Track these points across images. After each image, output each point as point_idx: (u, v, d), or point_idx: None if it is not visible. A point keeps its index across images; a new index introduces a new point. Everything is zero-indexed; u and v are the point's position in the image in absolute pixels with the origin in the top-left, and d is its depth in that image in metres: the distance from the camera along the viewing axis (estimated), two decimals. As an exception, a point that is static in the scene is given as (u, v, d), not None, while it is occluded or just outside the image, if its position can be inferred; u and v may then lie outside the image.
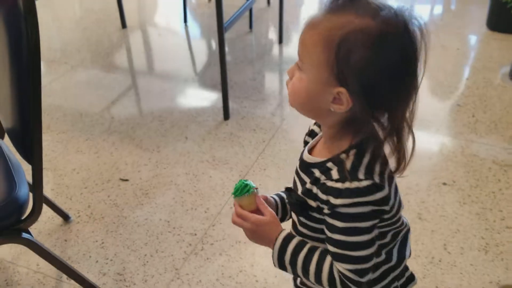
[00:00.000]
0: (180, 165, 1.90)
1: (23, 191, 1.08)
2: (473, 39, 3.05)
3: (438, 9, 3.62)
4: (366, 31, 0.62)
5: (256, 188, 0.79)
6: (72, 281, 1.34)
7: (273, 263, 0.77)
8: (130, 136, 2.09)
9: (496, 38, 2.90)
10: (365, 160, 0.68)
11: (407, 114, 0.68)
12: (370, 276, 0.71)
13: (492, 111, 2.19)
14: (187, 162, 1.91)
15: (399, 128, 0.68)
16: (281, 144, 2.02)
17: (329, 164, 0.71)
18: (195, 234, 1.58)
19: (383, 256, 0.77)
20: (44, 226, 1.61)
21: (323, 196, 0.69)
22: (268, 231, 0.77)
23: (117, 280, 1.42)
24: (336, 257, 0.70)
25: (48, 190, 1.77)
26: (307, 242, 0.75)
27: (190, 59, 2.86)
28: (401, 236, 0.79)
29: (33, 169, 1.05)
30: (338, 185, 0.67)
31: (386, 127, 0.69)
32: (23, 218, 1.06)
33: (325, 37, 0.64)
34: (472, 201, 1.68)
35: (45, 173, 1.85)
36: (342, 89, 0.65)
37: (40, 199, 1.07)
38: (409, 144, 0.72)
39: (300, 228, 0.79)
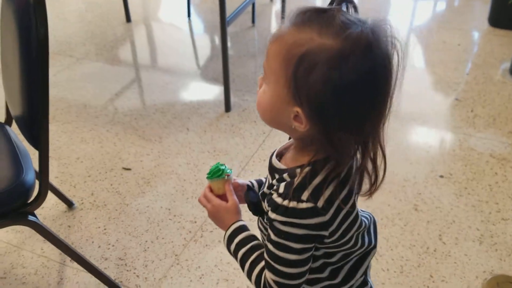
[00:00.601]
0: (182, 156, 1.93)
1: (30, 176, 1.11)
2: (474, 35, 3.07)
3: (441, 6, 3.64)
4: (326, 50, 0.58)
5: (228, 175, 0.80)
6: (75, 265, 1.38)
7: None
8: (133, 127, 2.13)
9: (497, 34, 2.92)
10: (316, 180, 0.65)
11: (379, 137, 0.65)
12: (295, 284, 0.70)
13: (491, 106, 2.21)
14: (188, 152, 1.95)
15: (371, 151, 0.65)
16: (281, 136, 2.04)
17: (285, 175, 0.69)
18: (195, 222, 1.61)
19: (326, 273, 0.76)
20: (48, 212, 1.65)
21: (266, 205, 0.69)
22: (225, 217, 0.79)
23: (118, 265, 1.46)
24: (267, 265, 0.70)
25: (52, 178, 1.81)
26: (253, 240, 0.76)
27: (193, 53, 2.89)
28: (355, 256, 0.77)
29: (40, 155, 1.08)
30: (279, 200, 0.66)
31: (352, 150, 0.65)
32: (29, 201, 1.10)
33: (286, 52, 0.60)
34: (469, 193, 1.71)
35: (50, 162, 1.88)
36: (299, 109, 0.61)
37: (46, 184, 1.10)
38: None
39: (260, 221, 0.81)
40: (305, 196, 0.64)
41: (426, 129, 2.09)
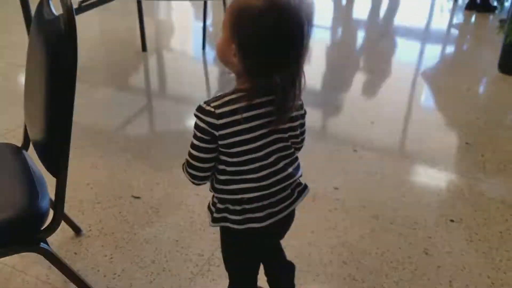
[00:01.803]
0: (191, 186, 1.92)
1: (45, 202, 1.12)
2: (484, 80, 3.10)
3: (450, 49, 3.70)
4: (251, 7, 0.85)
5: None
6: (81, 293, 1.36)
7: None
8: (145, 155, 2.14)
9: (507, 80, 2.95)
10: (226, 98, 0.91)
11: (292, 80, 0.90)
12: (193, 172, 0.98)
13: (501, 151, 2.22)
14: (198, 184, 1.95)
15: (283, 88, 0.89)
16: (292, 172, 2.05)
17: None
18: (202, 255, 1.60)
19: (223, 178, 0.98)
20: (55, 238, 1.64)
21: None
22: None
23: (124, 296, 1.44)
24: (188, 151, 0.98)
25: (61, 203, 1.81)
26: None
27: (206, 84, 2.93)
28: (249, 180, 0.98)
29: (57, 182, 1.09)
30: (201, 103, 0.92)
31: (267, 85, 0.89)
32: (42, 228, 1.10)
33: (231, 10, 0.88)
34: (479, 239, 1.69)
35: (59, 186, 1.90)
36: (234, 45, 0.87)
37: (61, 211, 1.10)
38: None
39: None
40: (214, 104, 0.91)
41: (436, 172, 2.09)
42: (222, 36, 0.91)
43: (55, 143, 1.08)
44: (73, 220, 1.65)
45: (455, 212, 1.82)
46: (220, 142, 0.93)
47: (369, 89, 2.89)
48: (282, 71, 0.88)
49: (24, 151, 1.32)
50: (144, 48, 3.26)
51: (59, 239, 1.64)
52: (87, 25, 3.61)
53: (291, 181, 1.01)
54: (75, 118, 2.11)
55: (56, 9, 1.17)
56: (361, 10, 4.57)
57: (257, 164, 0.96)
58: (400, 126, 2.49)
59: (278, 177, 0.99)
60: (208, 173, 0.98)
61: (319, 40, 3.70)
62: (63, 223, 1.62)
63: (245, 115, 0.91)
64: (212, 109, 0.90)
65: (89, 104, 2.55)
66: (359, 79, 3.04)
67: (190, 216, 1.77)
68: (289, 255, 1.33)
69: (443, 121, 2.52)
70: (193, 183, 1.02)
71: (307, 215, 1.80)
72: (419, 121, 2.52)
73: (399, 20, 4.26)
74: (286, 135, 0.98)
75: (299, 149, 1.06)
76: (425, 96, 2.86)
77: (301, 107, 1.00)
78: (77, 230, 1.66)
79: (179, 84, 2.86)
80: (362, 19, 4.36)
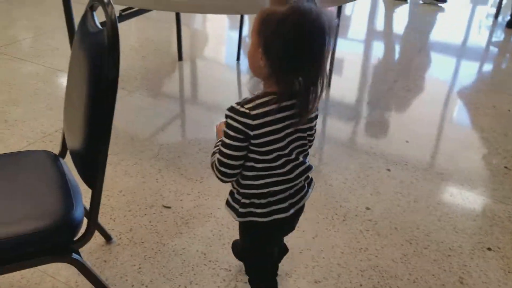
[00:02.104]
0: (221, 198, 1.93)
1: (79, 212, 1.13)
2: (526, 101, 2.99)
3: (488, 67, 3.59)
4: (277, 13, 0.93)
5: None
6: (109, 303, 1.37)
7: None
8: (176, 164, 2.15)
9: (551, 103, 2.84)
10: (258, 101, 0.99)
11: (314, 82, 0.98)
12: (225, 170, 1.05)
13: (543, 178, 2.13)
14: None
15: (306, 90, 0.98)
16: (322, 189, 2.03)
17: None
18: (230, 270, 1.59)
19: (251, 174, 1.07)
20: (87, 245, 1.66)
21: None
22: (219, 134, 1.11)
23: (150, 307, 1.44)
24: (218, 150, 1.06)
25: (94, 209, 1.83)
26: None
27: (238, 94, 2.93)
28: (274, 178, 1.08)
29: (93, 194, 1.10)
30: (233, 104, 1.01)
31: (293, 88, 0.99)
32: (75, 239, 1.11)
33: (259, 16, 0.96)
34: (517, 270, 1.62)
35: (92, 192, 1.93)
36: (260, 50, 0.96)
37: (95, 222, 1.12)
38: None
39: None
40: (247, 105, 0.99)
41: (473, 196, 2.02)
42: (251, 42, 1.00)
43: (92, 154, 1.09)
44: (105, 228, 1.67)
45: (492, 240, 1.76)
46: (252, 141, 1.01)
47: (404, 106, 2.83)
48: (303, 74, 0.96)
49: (60, 159, 1.34)
50: (180, 57, 3.30)
51: (90, 246, 1.66)
52: (126, 33, 3.68)
53: (309, 173, 1.14)
54: (112, 124, 2.16)
55: (99, 16, 1.19)
56: (396, 23, 4.50)
57: (283, 160, 1.06)
58: (436, 146, 2.43)
59: (300, 169, 1.10)
60: (238, 171, 1.07)
61: (353, 53, 3.66)
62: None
63: (276, 116, 1.00)
64: (247, 111, 0.98)
65: (125, 111, 2.59)
66: (394, 94, 2.98)
67: (219, 230, 1.77)
68: (318, 275, 1.31)
69: (481, 142, 2.44)
70: (222, 180, 1.09)
71: (337, 235, 1.76)
72: (456, 141, 2.45)
73: (436, 35, 4.18)
74: (305, 134, 1.10)
75: (311, 146, 1.18)
76: (462, 115, 2.78)
77: (316, 109, 1.10)
78: (107, 238, 1.68)
79: (212, 94, 2.88)
80: (398, 33, 4.29)
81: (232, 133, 1.01)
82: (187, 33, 3.79)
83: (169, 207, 1.88)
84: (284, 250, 1.51)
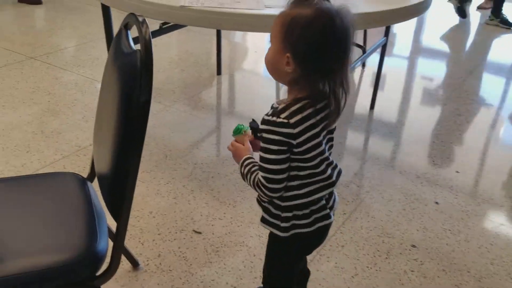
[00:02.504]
0: (254, 226, 1.82)
1: (103, 244, 1.05)
2: None
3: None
4: (302, 16, 0.92)
5: (245, 131, 1.13)
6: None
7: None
8: (209, 186, 2.06)
9: None
10: (293, 108, 0.96)
11: (341, 82, 0.97)
12: (275, 186, 1.00)
13: None
14: (262, 224, 1.83)
15: (334, 91, 0.97)
16: (363, 221, 1.89)
17: (275, 105, 1.02)
18: (261, 307, 1.48)
19: (295, 183, 1.03)
20: (112, 269, 1.59)
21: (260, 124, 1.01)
22: (241, 153, 1.11)
23: None
24: (259, 168, 1.02)
25: (122, 231, 1.76)
26: (256, 162, 1.06)
27: (278, 113, 2.83)
28: (318, 183, 1.05)
29: (117, 228, 1.02)
30: (265, 116, 0.98)
31: (324, 89, 0.97)
32: (98, 274, 1.03)
33: (281, 21, 0.95)
34: None
35: (122, 212, 1.86)
36: (288, 54, 0.94)
37: (119, 257, 1.03)
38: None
39: None
40: (283, 115, 0.96)
41: (531, 238, 1.83)
42: (271, 48, 0.98)
43: (119, 182, 1.01)
44: (132, 253, 1.59)
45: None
46: (295, 150, 0.98)
47: (454, 132, 2.65)
48: (333, 74, 0.95)
49: (88, 183, 1.27)
50: (219, 71, 3.23)
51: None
52: (166, 45, 3.66)
53: (341, 175, 1.11)
54: (147, 139, 2.11)
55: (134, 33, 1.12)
56: (446, 42, 4.31)
57: (324, 164, 1.04)
58: (490, 177, 2.24)
59: (336, 172, 1.09)
60: (285, 183, 1.02)
61: (398, 70, 3.50)
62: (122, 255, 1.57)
63: (314, 120, 0.98)
64: (285, 120, 0.95)
65: (160, 126, 2.53)
66: (443, 119, 2.81)
67: (251, 261, 1.66)
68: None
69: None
70: (271, 197, 1.05)
71: (379, 275, 1.62)
72: (512, 174, 2.26)
73: (489, 56, 3.96)
74: (333, 135, 1.08)
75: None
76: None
77: None
78: (134, 264, 1.60)
79: (251, 110, 2.79)
80: (446, 51, 4.10)
81: (274, 147, 0.97)
82: (227, 46, 3.73)
83: (199, 233, 1.78)
84: (307, 272, 1.44)
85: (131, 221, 1.83)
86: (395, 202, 2.02)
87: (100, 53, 3.41)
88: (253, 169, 1.06)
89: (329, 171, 1.06)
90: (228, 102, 2.91)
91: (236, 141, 1.15)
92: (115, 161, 1.02)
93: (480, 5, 5.11)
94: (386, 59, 2.78)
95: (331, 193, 1.13)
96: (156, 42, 3.38)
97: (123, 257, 1.58)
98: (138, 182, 2.09)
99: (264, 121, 0.98)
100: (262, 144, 0.99)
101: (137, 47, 1.04)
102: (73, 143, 2.31)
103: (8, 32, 3.77)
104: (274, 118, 0.96)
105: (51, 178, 1.27)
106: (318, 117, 0.98)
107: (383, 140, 2.54)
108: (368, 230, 1.84)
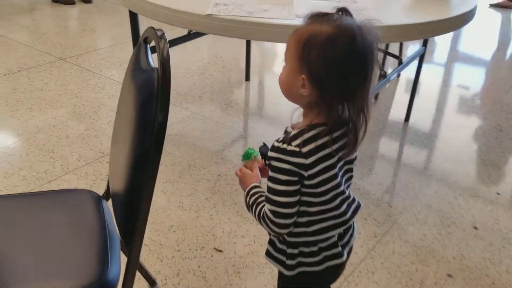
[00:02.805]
0: (279, 246, 1.73)
1: (114, 272, 0.98)
2: None
3: None
4: (321, 34, 0.82)
5: (255, 157, 1.06)
6: None
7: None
8: (233, 199, 1.98)
9: None
10: (307, 135, 0.87)
11: (362, 107, 0.86)
12: (283, 222, 0.90)
13: None
14: (287, 244, 1.74)
15: (353, 117, 0.87)
16: (395, 245, 1.77)
17: (288, 129, 0.94)
18: (283, 337, 1.38)
19: (304, 220, 0.93)
20: None
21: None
22: (248, 180, 1.02)
23: None
24: (266, 199, 0.91)
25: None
26: (262, 192, 0.96)
27: (308, 122, 2.73)
28: (331, 220, 0.95)
29: (129, 258, 0.95)
30: (276, 143, 0.89)
31: (342, 115, 0.88)
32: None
33: (297, 38, 0.85)
34: None
35: (142, 225, 1.80)
36: (304, 76, 0.84)
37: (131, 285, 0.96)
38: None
39: None
40: (295, 143, 0.86)
41: None
42: (285, 67, 0.89)
43: (132, 205, 0.94)
44: (149, 272, 1.52)
45: None
46: (306, 183, 0.89)
47: (495, 149, 2.49)
48: (355, 99, 0.86)
49: (104, 201, 1.21)
50: (247, 77, 3.16)
51: (132, 289, 1.52)
52: (195, 49, 3.60)
53: (358, 211, 1.00)
54: (171, 148, 2.01)
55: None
56: (487, 50, 4.10)
57: (339, 199, 0.94)
58: (533, 202, 2.08)
59: (352, 208, 0.98)
60: (295, 218, 0.92)
61: (434, 79, 3.34)
62: (138, 273, 1.51)
63: (330, 150, 0.88)
64: (297, 149, 0.86)
65: (186, 134, 2.47)
66: (483, 134, 2.64)
67: (274, 285, 1.57)
68: None
69: None
70: (279, 233, 0.94)
71: (412, 309, 1.50)
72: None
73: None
74: (352, 165, 0.98)
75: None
76: None
77: None
78: (152, 283, 1.53)
79: (279, 118, 2.69)
80: (487, 60, 3.90)
81: (283, 177, 0.87)
82: (256, 51, 3.65)
83: (220, 251, 1.70)
84: None
85: (151, 234, 1.77)
86: (430, 225, 1.89)
87: (129, 56, 3.37)
88: (259, 199, 0.95)
89: (344, 206, 0.96)
90: (256, 110, 2.82)
91: (245, 166, 1.07)
92: (129, 182, 0.96)
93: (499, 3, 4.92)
94: (427, 66, 2.64)
95: (348, 227, 1.02)
96: (185, 46, 3.33)
97: (140, 275, 1.52)
98: (160, 193, 2.03)
99: (273, 148, 0.88)
100: (270, 173, 0.89)
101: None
102: (97, 149, 2.27)
103: (40, 32, 3.79)
104: (285, 146, 0.86)
105: (66, 195, 1.21)
106: (334, 147, 0.88)
107: (418, 155, 2.40)
108: (400, 256, 1.72)
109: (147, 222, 1.78)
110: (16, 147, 2.25)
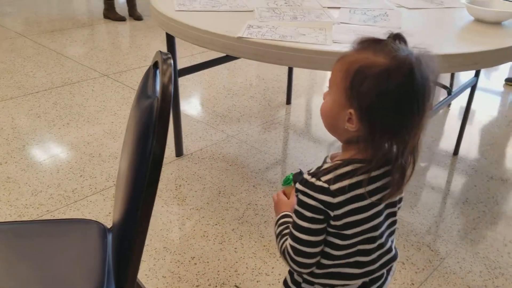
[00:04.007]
0: (305, 288, 1.60)
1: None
2: None
3: None
4: (376, 65, 0.74)
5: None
6: None
7: None
8: (260, 232, 1.87)
9: None
10: (340, 171, 0.79)
11: (410, 147, 0.78)
12: (303, 261, 0.83)
13: None
14: (314, 287, 1.61)
15: (402, 155, 0.78)
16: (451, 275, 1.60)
17: (327, 159, 0.87)
18: None
19: (326, 261, 0.85)
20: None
21: None
22: (282, 207, 0.95)
23: None
24: (289, 234, 0.84)
25: (160, 277, 1.62)
26: (290, 224, 0.86)
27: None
28: (355, 264, 0.85)
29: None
30: (306, 176, 0.81)
31: (388, 154, 0.79)
32: None
33: (346, 67, 0.77)
34: None
35: (164, 254, 1.73)
36: (352, 111, 0.77)
37: None
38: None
39: None
40: (325, 178, 0.79)
41: None
42: (329, 98, 0.82)
43: (125, 244, 0.86)
44: (162, 308, 1.44)
45: None
46: (332, 223, 0.81)
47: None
48: (407, 136, 0.77)
49: (110, 235, 1.14)
50: (288, 100, 3.06)
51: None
52: (237, 70, 3.56)
53: (393, 263, 0.91)
54: (203, 172, 1.92)
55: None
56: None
57: (370, 246, 0.85)
58: None
59: (385, 259, 0.88)
60: (318, 258, 0.84)
61: (487, 109, 3.10)
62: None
63: (365, 190, 0.79)
64: (326, 185, 0.78)
65: (218, 158, 2.39)
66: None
67: (295, 333, 1.43)
68: None
69: None
70: (300, 272, 0.88)
71: None
72: None
73: None
74: (396, 209, 0.88)
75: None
76: None
77: None
78: (164, 320, 1.44)
79: (318, 147, 2.57)
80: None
81: (308, 214, 0.80)
82: (300, 72, 3.55)
83: (241, 289, 1.60)
84: None
85: (172, 265, 1.69)
86: (475, 275, 1.70)
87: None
88: (285, 231, 0.88)
89: (374, 255, 0.86)
90: (295, 136, 2.71)
91: (284, 192, 1.01)
92: (122, 223, 0.88)
93: None
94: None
95: (378, 277, 0.91)
96: (226, 66, 3.29)
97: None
98: (185, 219, 1.95)
99: (302, 181, 0.81)
100: (296, 207, 0.82)
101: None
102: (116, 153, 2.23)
103: (88, 47, 3.88)
104: (313, 180, 0.79)
105: (73, 226, 1.15)
106: (371, 187, 0.80)
107: (466, 194, 2.20)
108: (439, 310, 1.55)
109: (168, 251, 1.71)
110: (48, 164, 2.25)
